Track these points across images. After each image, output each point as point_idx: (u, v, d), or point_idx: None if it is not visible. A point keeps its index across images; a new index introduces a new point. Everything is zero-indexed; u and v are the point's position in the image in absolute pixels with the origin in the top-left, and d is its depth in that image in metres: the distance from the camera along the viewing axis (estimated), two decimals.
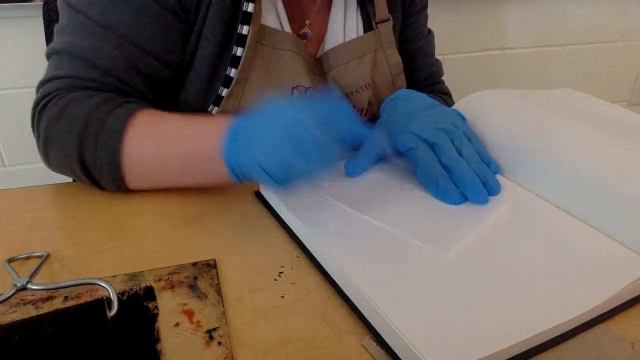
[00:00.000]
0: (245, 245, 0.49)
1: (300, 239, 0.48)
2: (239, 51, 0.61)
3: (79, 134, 0.53)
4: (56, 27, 0.59)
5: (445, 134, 0.52)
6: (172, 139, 0.53)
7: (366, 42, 0.70)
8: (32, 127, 0.58)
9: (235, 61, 0.62)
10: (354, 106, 0.70)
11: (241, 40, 0.61)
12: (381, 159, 0.58)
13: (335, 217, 0.49)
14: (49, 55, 0.59)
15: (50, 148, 0.55)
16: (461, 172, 0.50)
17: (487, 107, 0.62)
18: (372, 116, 0.73)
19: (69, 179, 0.61)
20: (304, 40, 0.68)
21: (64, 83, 0.56)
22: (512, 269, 0.42)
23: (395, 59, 0.73)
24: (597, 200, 0.47)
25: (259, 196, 0.56)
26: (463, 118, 0.58)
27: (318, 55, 0.70)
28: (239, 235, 0.50)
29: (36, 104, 0.57)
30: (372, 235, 0.47)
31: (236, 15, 0.61)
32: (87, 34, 0.56)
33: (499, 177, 0.56)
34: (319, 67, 0.70)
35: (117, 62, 0.57)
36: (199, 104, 0.64)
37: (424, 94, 0.61)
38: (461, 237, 0.46)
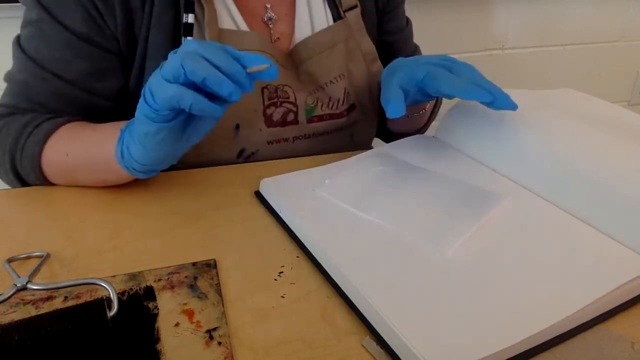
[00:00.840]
0: (245, 245, 0.49)
1: (300, 239, 0.48)
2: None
3: (10, 148, 0.58)
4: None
5: (450, 62, 0.56)
6: (81, 144, 0.57)
7: (336, 31, 0.70)
8: None
9: None
10: (330, 97, 0.70)
11: (188, 31, 0.61)
12: (407, 94, 0.58)
13: (335, 216, 0.49)
14: (5, 80, 0.64)
15: None
16: (481, 81, 0.54)
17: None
18: (349, 106, 0.72)
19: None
20: (270, 25, 0.68)
21: (3, 110, 0.62)
22: (512, 269, 0.42)
23: (368, 46, 0.73)
24: (597, 200, 0.47)
25: (259, 196, 0.56)
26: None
27: (289, 50, 0.70)
28: (239, 235, 0.50)
29: None
30: (372, 234, 0.47)
31: (179, 28, 0.61)
32: (22, 68, 0.61)
33: (498, 176, 0.56)
34: (290, 62, 0.69)
35: (45, 96, 0.61)
36: None
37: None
38: (460, 236, 0.46)
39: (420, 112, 0.72)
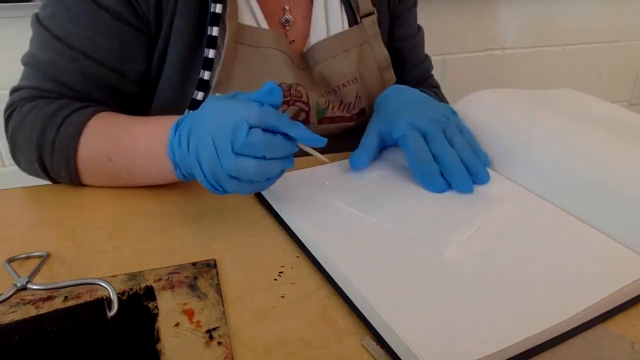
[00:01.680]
0: (245, 245, 0.49)
1: (300, 239, 0.48)
2: (210, 53, 0.61)
3: (37, 140, 0.56)
4: (30, 38, 0.61)
5: (437, 125, 0.55)
6: (121, 139, 0.55)
7: (351, 36, 0.70)
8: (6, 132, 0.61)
9: (208, 63, 0.61)
10: (341, 100, 0.71)
11: (212, 42, 0.61)
12: (381, 149, 0.59)
13: (335, 216, 0.49)
14: (23, 64, 0.62)
15: (17, 155, 0.59)
16: (450, 162, 0.52)
17: (487, 107, 0.62)
18: (360, 110, 0.72)
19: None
20: (287, 27, 0.69)
21: (26, 93, 0.59)
22: (512, 269, 0.42)
23: (382, 52, 0.73)
24: (597, 201, 0.47)
25: (259, 196, 0.56)
26: (454, 112, 0.59)
27: (304, 51, 0.70)
28: (239, 235, 0.50)
29: (4, 112, 0.60)
30: (372, 234, 0.47)
31: (205, 17, 0.61)
32: (47, 47, 0.58)
33: (498, 176, 0.56)
34: (304, 63, 0.70)
35: (72, 75, 0.59)
36: (174, 110, 0.64)
37: (416, 89, 0.63)
38: (459, 237, 0.46)
39: None
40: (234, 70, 0.63)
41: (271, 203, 0.54)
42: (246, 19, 0.65)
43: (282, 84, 0.66)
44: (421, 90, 0.65)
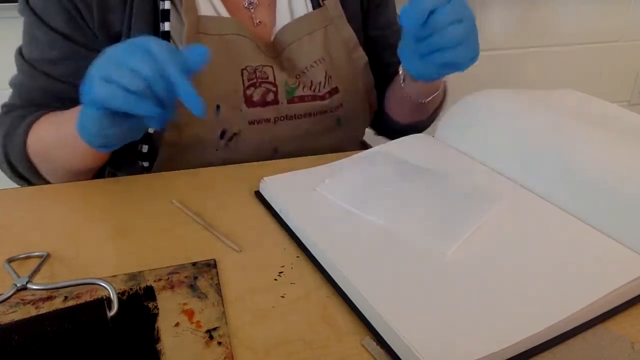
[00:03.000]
0: (245, 245, 0.49)
1: (300, 239, 0.48)
2: (166, 26, 0.64)
3: (3, 143, 0.63)
4: None
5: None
6: (55, 126, 0.61)
7: (314, 18, 0.71)
8: None
9: (165, 36, 0.64)
10: (311, 81, 0.71)
11: (165, 37, 0.64)
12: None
13: (335, 216, 0.49)
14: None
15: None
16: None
17: (488, 107, 0.62)
18: (332, 89, 0.72)
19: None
20: (251, 10, 0.70)
21: (3, 110, 0.67)
22: (512, 269, 0.42)
23: (348, 32, 0.73)
24: (597, 201, 0.47)
25: (259, 196, 0.56)
26: None
27: (272, 40, 0.71)
28: (239, 235, 0.50)
29: None
30: (373, 234, 0.47)
31: (158, 15, 0.64)
32: (19, 71, 0.67)
33: (499, 176, 0.56)
34: (274, 50, 0.71)
35: (34, 91, 0.65)
36: None
37: None
38: (460, 236, 0.46)
39: (432, 96, 0.70)
40: None
41: (271, 203, 0.54)
42: (205, 10, 0.66)
43: (247, 67, 0.67)
44: None
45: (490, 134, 0.59)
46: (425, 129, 0.80)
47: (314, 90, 0.71)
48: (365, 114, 0.78)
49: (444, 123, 0.65)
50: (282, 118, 0.69)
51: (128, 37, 0.63)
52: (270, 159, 0.67)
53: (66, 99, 0.64)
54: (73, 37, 0.63)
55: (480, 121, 0.60)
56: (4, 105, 0.68)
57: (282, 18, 0.71)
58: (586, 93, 0.66)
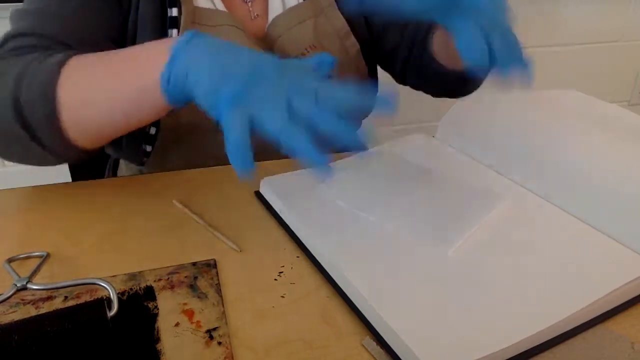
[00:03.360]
0: (245, 245, 0.49)
1: (300, 239, 0.48)
2: (174, 33, 0.64)
3: (15, 78, 0.49)
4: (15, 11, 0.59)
5: None
6: (106, 59, 0.51)
7: (304, 8, 0.71)
8: None
9: None
10: None
11: (173, 22, 0.64)
12: None
13: (335, 216, 0.49)
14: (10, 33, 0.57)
15: None
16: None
17: (488, 107, 0.62)
18: (325, 75, 0.72)
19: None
20: (249, 3, 0.70)
21: (9, 51, 0.55)
22: (512, 269, 0.42)
23: (340, 21, 0.73)
24: (597, 201, 0.47)
25: (259, 196, 0.56)
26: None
27: (265, 32, 0.72)
28: (239, 235, 0.50)
29: None
30: (372, 234, 0.47)
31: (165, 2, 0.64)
32: (30, 16, 0.57)
33: (499, 176, 0.56)
34: (267, 42, 0.71)
35: (61, 31, 0.57)
36: None
37: None
38: (461, 236, 0.46)
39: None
40: None
41: (271, 203, 0.54)
42: (202, 2, 0.66)
43: None
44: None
45: (490, 134, 0.59)
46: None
47: None
48: None
49: (444, 123, 0.65)
50: None
51: (136, 16, 0.63)
52: (267, 146, 0.67)
53: (96, 43, 0.57)
54: None
55: (480, 121, 0.60)
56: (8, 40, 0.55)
57: (275, 9, 0.71)
58: (586, 93, 0.66)
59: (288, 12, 0.71)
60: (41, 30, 0.56)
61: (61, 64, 0.50)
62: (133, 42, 0.65)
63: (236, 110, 0.41)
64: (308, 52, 0.71)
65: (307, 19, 0.71)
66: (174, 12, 0.63)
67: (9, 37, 0.57)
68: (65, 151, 0.52)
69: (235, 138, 0.42)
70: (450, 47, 0.67)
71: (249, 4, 0.71)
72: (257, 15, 0.71)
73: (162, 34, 0.64)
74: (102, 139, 0.54)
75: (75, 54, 0.52)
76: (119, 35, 0.64)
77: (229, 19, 0.67)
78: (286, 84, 0.42)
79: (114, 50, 0.52)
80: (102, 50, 0.55)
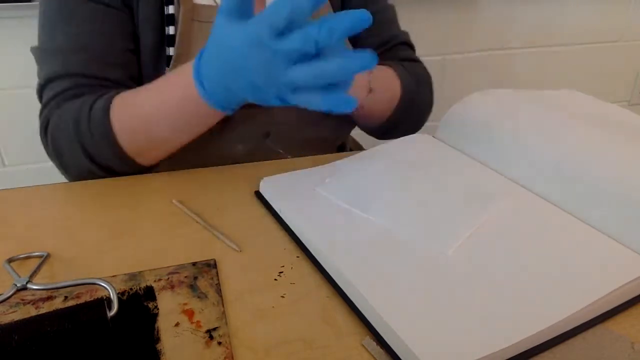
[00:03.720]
0: (245, 245, 0.49)
1: (300, 239, 0.48)
2: (171, 30, 0.65)
3: (76, 135, 0.58)
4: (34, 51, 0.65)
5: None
6: (147, 96, 0.57)
7: None
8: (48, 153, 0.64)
9: (170, 40, 0.65)
10: None
11: (170, 20, 0.65)
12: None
13: (335, 216, 0.49)
14: (39, 96, 0.64)
15: (65, 161, 0.61)
16: None
17: (488, 107, 0.62)
18: None
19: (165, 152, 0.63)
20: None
21: (52, 105, 0.61)
22: (512, 269, 0.42)
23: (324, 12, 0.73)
24: (597, 200, 0.47)
25: (259, 196, 0.56)
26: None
27: None
28: (239, 235, 0.50)
29: (40, 133, 0.63)
30: (373, 234, 0.47)
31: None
32: (57, 57, 0.62)
33: (499, 175, 0.56)
34: None
35: (86, 64, 0.62)
36: None
37: None
38: (461, 236, 0.46)
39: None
40: (191, 44, 0.66)
41: (271, 203, 0.54)
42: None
43: None
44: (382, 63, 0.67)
45: (490, 134, 0.59)
46: (412, 127, 0.77)
47: None
48: None
49: (444, 123, 0.65)
50: None
51: (137, 18, 0.64)
52: (263, 144, 0.68)
53: (121, 64, 0.64)
54: (112, 3, 0.63)
55: (480, 121, 0.60)
56: (47, 103, 0.62)
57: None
58: (586, 93, 0.66)
59: None
60: (70, 70, 0.62)
61: (106, 112, 0.57)
62: (137, 44, 0.66)
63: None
64: None
65: None
66: (171, 9, 0.64)
67: (45, 84, 0.63)
68: (136, 172, 0.61)
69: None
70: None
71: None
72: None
73: (160, 32, 0.65)
74: (167, 154, 0.61)
75: (114, 94, 0.59)
76: (134, 44, 0.66)
77: None
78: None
79: (143, 86, 0.59)
80: (128, 67, 0.65)
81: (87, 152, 0.58)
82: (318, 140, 0.73)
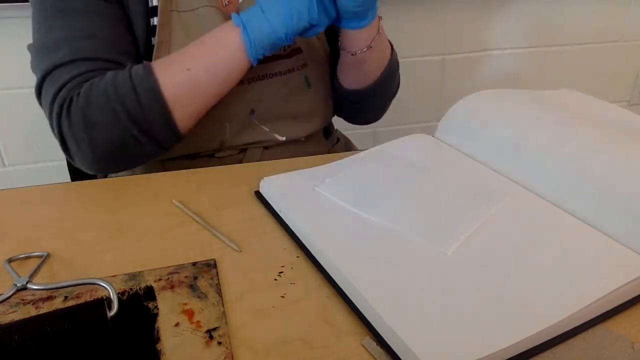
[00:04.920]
0: (245, 245, 0.49)
1: (300, 239, 0.48)
2: (155, 21, 0.66)
3: (118, 98, 0.58)
4: (31, 48, 0.64)
5: None
6: (189, 48, 0.62)
7: None
8: (63, 144, 0.61)
9: (154, 30, 0.67)
10: None
11: (154, 11, 0.66)
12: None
13: (335, 216, 0.49)
14: (40, 87, 0.62)
15: (94, 134, 0.59)
16: None
17: (488, 107, 0.62)
18: (295, 48, 0.74)
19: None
20: None
21: (70, 86, 0.60)
22: (512, 269, 0.42)
23: None
24: (597, 201, 0.47)
25: (259, 196, 0.56)
26: None
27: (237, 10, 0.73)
28: (239, 235, 0.50)
29: (57, 118, 0.60)
30: (373, 234, 0.47)
31: None
32: (60, 46, 0.61)
33: (499, 176, 0.56)
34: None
35: (98, 49, 0.62)
36: None
37: None
38: (460, 236, 0.46)
39: (369, 43, 0.69)
40: (172, 34, 0.67)
41: (271, 203, 0.54)
42: None
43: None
44: None
45: (490, 134, 0.59)
46: (380, 107, 0.82)
47: (279, 50, 0.73)
48: (329, 78, 0.79)
49: (444, 123, 0.65)
50: (254, 79, 0.71)
51: (127, 5, 0.66)
52: (249, 121, 0.70)
53: (128, 51, 0.65)
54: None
55: (480, 121, 0.60)
56: (63, 86, 0.60)
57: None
58: (586, 93, 0.66)
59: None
60: (82, 55, 0.61)
61: (150, 71, 0.59)
62: (134, 37, 0.67)
63: None
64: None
65: None
66: (154, 1, 0.66)
67: (48, 74, 0.61)
68: (172, 141, 0.62)
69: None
70: (344, 66, 0.76)
71: None
72: (229, 2, 0.72)
73: (147, 24, 0.67)
74: (201, 114, 0.64)
75: (149, 64, 0.60)
76: (133, 35, 0.67)
77: (206, 1, 0.68)
78: None
79: (183, 48, 0.62)
80: (134, 57, 0.66)
81: (129, 114, 0.57)
82: (303, 118, 0.75)
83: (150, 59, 0.67)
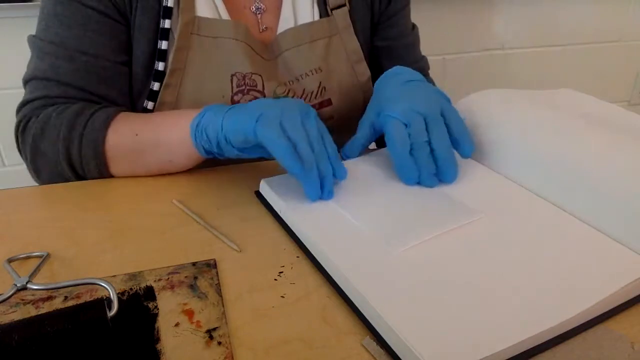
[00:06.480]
0: (245, 245, 0.49)
1: (300, 239, 0.48)
2: (163, 45, 0.64)
3: (64, 139, 0.58)
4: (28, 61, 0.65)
5: (420, 116, 0.53)
6: (146, 126, 0.59)
7: (319, 27, 0.71)
8: (19, 150, 0.64)
9: (161, 55, 0.65)
10: (304, 89, 0.71)
11: (164, 34, 0.64)
12: (373, 139, 0.61)
13: (335, 216, 0.49)
14: (24, 85, 0.65)
15: (39, 163, 0.61)
16: (419, 157, 0.53)
17: (489, 107, 0.62)
18: (325, 100, 0.72)
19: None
20: (259, 15, 0.70)
21: (36, 104, 0.62)
22: (512, 269, 0.42)
23: (354, 45, 0.73)
24: (597, 200, 0.47)
25: (259, 196, 0.56)
26: (447, 99, 0.58)
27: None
28: (239, 235, 0.50)
29: (16, 128, 0.63)
30: (372, 234, 0.46)
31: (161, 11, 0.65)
32: (45, 56, 0.62)
33: (499, 176, 0.56)
34: (270, 52, 0.71)
35: (74, 74, 0.62)
36: (139, 104, 0.68)
37: (414, 72, 0.62)
38: (416, 239, 0.45)
39: None
40: (187, 60, 0.65)
41: (271, 203, 0.54)
42: (205, 11, 0.66)
43: (237, 74, 0.67)
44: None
45: (489, 134, 0.59)
46: None
47: (305, 100, 0.71)
48: (357, 122, 0.78)
49: None
50: None
51: (133, 29, 0.64)
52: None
53: (113, 81, 0.64)
54: (109, 13, 0.62)
55: (480, 122, 0.60)
56: (27, 102, 0.63)
57: (286, 23, 0.70)
58: (586, 93, 0.66)
59: (301, 28, 0.70)
60: (58, 77, 0.62)
61: (106, 126, 0.59)
62: (131, 55, 0.65)
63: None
64: (312, 74, 0.71)
65: (320, 39, 0.71)
66: (167, 23, 0.64)
67: (31, 79, 0.63)
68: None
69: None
70: None
71: (259, 16, 0.70)
72: (266, 27, 0.70)
73: (154, 44, 0.65)
74: (141, 175, 0.62)
75: (110, 116, 0.59)
76: (128, 55, 0.66)
77: (232, 31, 0.66)
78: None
79: (142, 117, 0.62)
80: (117, 81, 0.65)
81: (69, 160, 0.59)
82: None
83: (146, 82, 0.66)
